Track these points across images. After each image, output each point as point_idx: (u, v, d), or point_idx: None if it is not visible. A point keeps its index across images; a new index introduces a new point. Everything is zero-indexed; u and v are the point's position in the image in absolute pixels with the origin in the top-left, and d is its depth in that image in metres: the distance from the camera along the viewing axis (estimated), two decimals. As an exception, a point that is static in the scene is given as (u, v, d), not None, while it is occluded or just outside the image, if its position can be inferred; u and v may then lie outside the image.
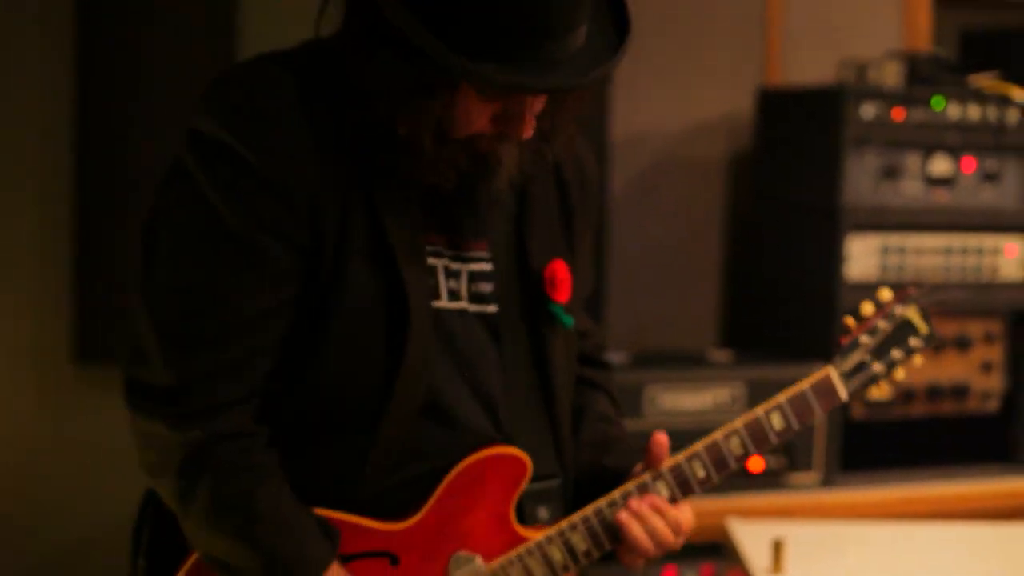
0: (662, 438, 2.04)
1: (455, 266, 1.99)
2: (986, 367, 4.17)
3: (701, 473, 2.05)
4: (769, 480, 3.88)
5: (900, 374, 2.18)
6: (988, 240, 4.15)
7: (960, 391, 4.14)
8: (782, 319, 4.21)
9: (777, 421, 2.07)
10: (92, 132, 3.94)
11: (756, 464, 3.84)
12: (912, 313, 2.19)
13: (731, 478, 3.72)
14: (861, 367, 2.14)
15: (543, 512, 2.03)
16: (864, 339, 2.15)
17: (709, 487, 2.07)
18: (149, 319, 1.87)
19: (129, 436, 1.94)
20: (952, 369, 4.13)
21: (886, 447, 4.11)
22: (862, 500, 3.94)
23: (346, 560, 1.89)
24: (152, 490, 2.03)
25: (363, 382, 1.89)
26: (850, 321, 2.18)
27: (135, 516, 2.09)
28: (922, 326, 2.19)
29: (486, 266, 2.01)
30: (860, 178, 4.00)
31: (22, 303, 4.03)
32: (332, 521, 1.91)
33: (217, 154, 1.84)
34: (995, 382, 4.19)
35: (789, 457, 3.89)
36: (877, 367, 2.15)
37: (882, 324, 2.17)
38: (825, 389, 2.11)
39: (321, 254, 1.86)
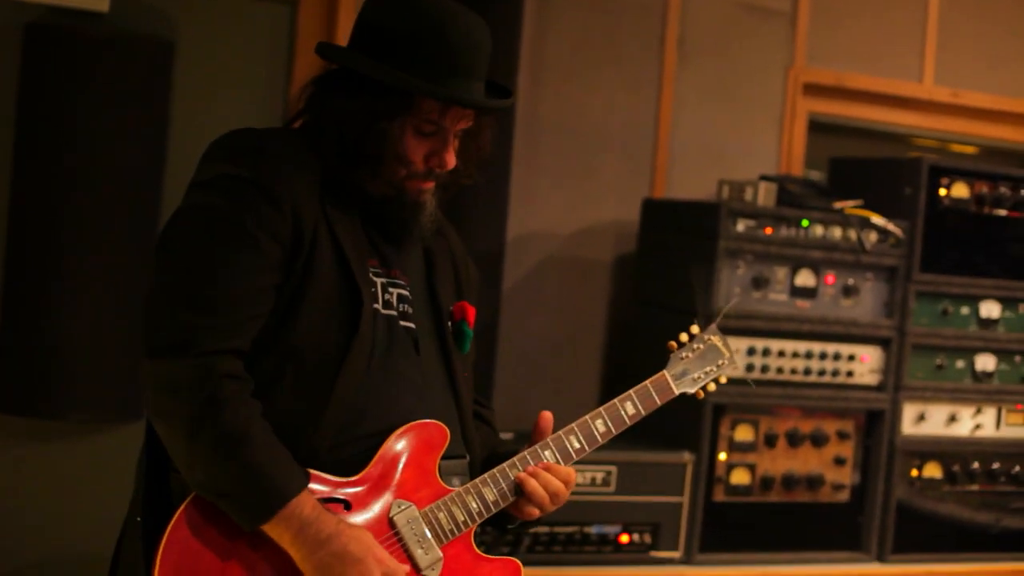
0: (548, 415, 2.61)
1: (388, 285, 2.48)
2: (839, 461, 4.53)
3: (576, 445, 2.60)
4: (635, 556, 4.21)
5: (712, 386, 2.76)
6: (845, 347, 4.52)
7: (815, 482, 4.49)
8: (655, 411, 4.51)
9: (629, 407, 2.64)
10: (27, 192, 4.06)
11: (624, 537, 4.19)
12: (716, 340, 2.77)
13: (601, 551, 4.08)
14: (685, 373, 2.72)
15: (456, 481, 2.49)
16: (684, 354, 2.73)
17: (582, 456, 2.60)
18: (166, 292, 2.33)
19: (146, 387, 2.32)
20: (808, 462, 4.49)
21: (744, 530, 4.41)
22: (719, 576, 4.26)
23: None
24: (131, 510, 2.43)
25: (323, 351, 2.35)
26: (672, 344, 2.74)
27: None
28: (724, 350, 2.78)
29: (406, 292, 2.52)
30: (731, 286, 4.36)
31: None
32: None
33: (225, 180, 2.36)
34: (846, 475, 4.55)
35: (654, 535, 4.23)
36: (697, 375, 2.73)
37: (697, 346, 2.75)
38: (662, 385, 2.69)
39: (299, 252, 2.34)
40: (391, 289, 2.49)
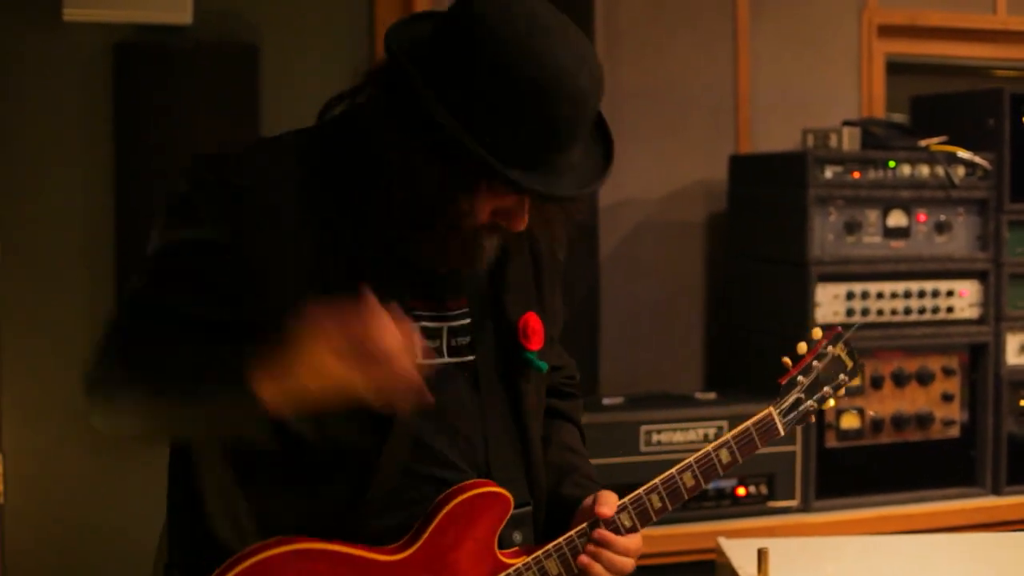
0: (612, 497, 2.25)
1: (434, 325, 2.13)
2: (947, 397, 4.54)
3: (658, 504, 2.23)
4: (753, 507, 4.27)
5: (829, 405, 2.39)
6: (943, 284, 4.53)
7: (924, 420, 4.51)
8: (759, 362, 4.52)
9: (725, 456, 2.27)
10: (131, 205, 4.18)
11: (741, 489, 4.26)
12: (840, 350, 2.37)
13: (719, 506, 4.15)
14: (796, 404, 2.34)
15: (517, 535, 2.19)
16: (800, 379, 2.34)
17: (664, 515, 2.25)
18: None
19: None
20: (916, 401, 4.51)
21: (858, 473, 4.44)
22: (837, 521, 4.29)
23: None
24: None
25: (354, 438, 2.01)
26: (787, 361, 2.36)
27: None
28: (848, 361, 2.38)
29: (464, 320, 2.16)
30: (825, 233, 4.38)
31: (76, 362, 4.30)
32: (333, 554, 2.04)
33: (180, 207, 2.02)
34: (955, 411, 4.56)
35: (770, 486, 4.28)
36: (810, 404, 2.35)
37: (815, 363, 2.35)
38: (766, 427, 2.31)
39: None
40: (439, 327, 2.14)
